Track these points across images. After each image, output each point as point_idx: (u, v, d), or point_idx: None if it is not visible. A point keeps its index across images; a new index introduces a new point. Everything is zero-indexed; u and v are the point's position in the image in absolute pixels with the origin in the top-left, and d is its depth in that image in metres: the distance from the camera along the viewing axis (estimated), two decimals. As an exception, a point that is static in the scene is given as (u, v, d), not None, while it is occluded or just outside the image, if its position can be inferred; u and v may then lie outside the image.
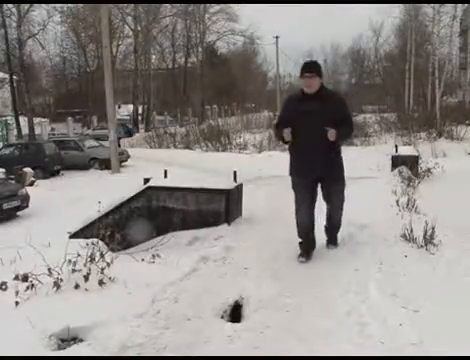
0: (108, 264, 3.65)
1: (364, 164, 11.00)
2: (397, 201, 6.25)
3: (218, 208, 5.72)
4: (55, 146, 18.18)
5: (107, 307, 3.16)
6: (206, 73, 40.64)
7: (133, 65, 37.79)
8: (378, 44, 46.38)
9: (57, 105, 39.87)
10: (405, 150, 10.75)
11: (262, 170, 11.95)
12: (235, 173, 6.05)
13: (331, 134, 4.10)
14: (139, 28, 36.33)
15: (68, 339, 2.88)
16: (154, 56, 41.95)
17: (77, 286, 3.42)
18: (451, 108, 23.01)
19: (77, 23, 35.62)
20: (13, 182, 13.37)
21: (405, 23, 30.54)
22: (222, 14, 41.27)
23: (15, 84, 28.61)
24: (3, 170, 14.82)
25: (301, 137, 4.21)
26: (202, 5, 39.70)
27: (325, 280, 3.86)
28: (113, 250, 4.46)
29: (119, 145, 20.34)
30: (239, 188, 6.16)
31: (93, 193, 9.75)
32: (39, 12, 33.94)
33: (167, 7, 37.88)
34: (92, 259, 3.72)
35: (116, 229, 4.97)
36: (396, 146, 10.90)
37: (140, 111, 40.33)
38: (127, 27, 37.14)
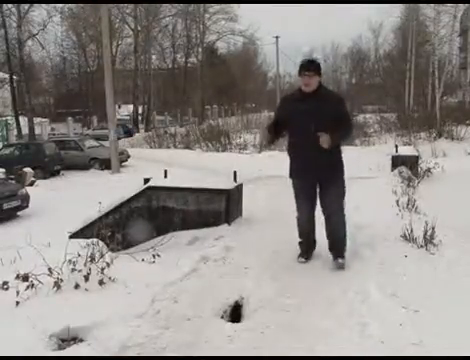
0: (108, 264, 3.65)
1: (364, 164, 10.99)
2: (397, 201, 6.25)
3: (218, 208, 5.72)
4: (55, 146, 18.19)
5: (107, 307, 3.16)
6: (206, 73, 40.66)
7: (133, 65, 37.82)
8: (378, 44, 46.48)
9: (57, 105, 39.90)
10: (405, 150, 10.75)
11: (262, 170, 11.94)
12: (235, 173, 6.05)
13: (323, 141, 3.87)
14: (139, 28, 36.36)
15: (68, 339, 2.88)
16: (154, 56, 42.05)
17: (77, 286, 3.42)
18: (451, 108, 23.00)
19: (77, 23, 35.64)
20: (13, 182, 13.38)
21: (405, 23, 30.57)
22: (222, 14, 41.31)
23: (15, 84, 28.63)
24: (3, 170, 14.82)
25: (299, 138, 4.12)
26: (202, 5, 39.73)
27: (325, 280, 3.86)
28: (113, 250, 4.46)
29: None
30: (239, 188, 6.16)
31: (93, 193, 9.74)
32: (39, 12, 33.90)
33: (167, 7, 37.90)
34: (92, 259, 3.72)
35: (116, 229, 4.98)
36: (396, 146, 10.90)
37: (140, 111, 40.37)
38: (127, 27, 37.22)
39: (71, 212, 8.37)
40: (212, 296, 3.56)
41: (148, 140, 24.47)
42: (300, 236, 4.41)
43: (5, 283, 3.42)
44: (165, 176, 6.26)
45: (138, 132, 34.00)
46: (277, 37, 40.08)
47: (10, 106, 29.78)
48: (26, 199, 11.46)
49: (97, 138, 22.70)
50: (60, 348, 2.83)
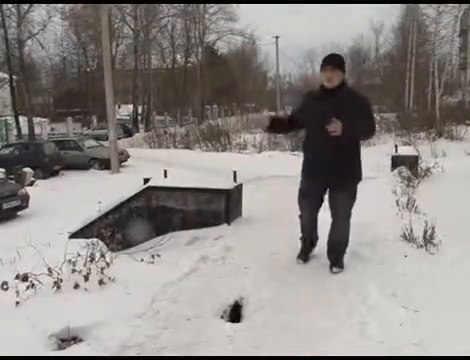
0: (108, 264, 3.65)
1: (364, 164, 10.95)
2: (397, 201, 6.25)
3: (218, 208, 5.72)
4: (55, 146, 18.19)
5: (107, 307, 3.16)
6: (206, 73, 40.65)
7: (133, 65, 37.83)
8: (379, 44, 46.49)
9: (57, 105, 39.91)
10: (405, 150, 10.74)
11: (262, 170, 11.94)
12: (235, 173, 6.05)
13: (333, 126, 3.49)
14: (139, 28, 36.35)
15: (68, 339, 2.88)
16: (154, 56, 42.04)
17: (77, 286, 3.42)
18: (451, 108, 23.01)
19: (77, 23, 35.63)
20: (13, 182, 13.37)
21: (405, 23, 30.57)
22: (221, 14, 41.32)
23: (15, 84, 28.61)
24: (3, 170, 14.82)
25: (314, 139, 3.88)
26: (201, 5, 39.74)
27: (325, 280, 3.85)
28: (113, 250, 4.46)
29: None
30: (239, 188, 6.16)
31: (93, 193, 9.74)
32: (39, 12, 33.99)
33: (167, 7, 37.92)
34: (92, 259, 3.72)
35: (116, 229, 4.98)
36: (396, 146, 10.89)
37: (140, 111, 40.39)
38: (127, 27, 37.23)
39: (71, 212, 8.37)
40: (212, 296, 3.56)
41: (148, 140, 24.48)
42: (302, 231, 4.32)
43: (5, 283, 3.41)
44: (165, 176, 6.27)
45: (138, 132, 34.03)
46: (277, 37, 40.10)
47: (10, 106, 29.79)
48: (26, 199, 11.46)
49: (97, 138, 22.70)
50: (60, 348, 2.83)
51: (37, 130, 25.01)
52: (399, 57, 33.39)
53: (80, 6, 33.48)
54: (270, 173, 11.04)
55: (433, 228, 4.48)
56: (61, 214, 9.51)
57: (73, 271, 3.52)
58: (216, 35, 43.67)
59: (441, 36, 22.53)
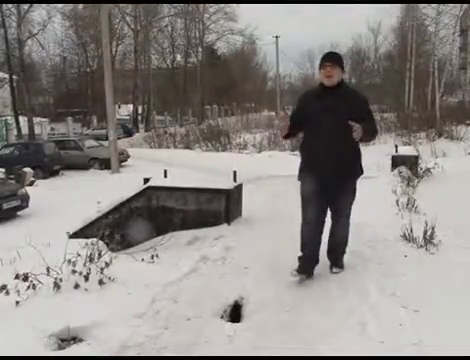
0: (107, 264, 3.65)
1: (364, 164, 10.97)
2: (397, 201, 6.26)
3: (218, 208, 5.72)
4: (55, 146, 18.19)
5: (107, 307, 3.16)
6: (206, 73, 40.64)
7: (133, 65, 37.84)
8: (378, 43, 46.50)
9: (57, 105, 39.87)
10: (405, 150, 10.75)
11: (262, 170, 11.94)
12: (235, 173, 6.05)
13: (357, 131, 3.44)
14: (139, 28, 36.36)
15: (68, 339, 2.88)
16: (154, 56, 42.04)
17: (77, 286, 3.42)
18: (451, 108, 23.01)
19: (77, 23, 35.64)
20: (13, 182, 13.36)
21: (405, 23, 30.56)
22: (221, 14, 41.33)
23: (15, 84, 28.63)
24: (3, 170, 14.81)
25: (316, 138, 3.71)
26: (201, 5, 39.74)
27: (325, 280, 3.85)
28: (113, 250, 4.46)
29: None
30: (239, 188, 6.16)
31: (93, 193, 9.75)
32: (39, 12, 34.00)
33: (167, 7, 37.95)
34: (92, 259, 3.72)
35: (116, 229, 4.98)
36: (396, 146, 10.90)
37: (140, 111, 40.39)
38: (127, 27, 37.23)
39: (71, 212, 8.38)
40: (212, 296, 3.56)
41: (148, 140, 24.49)
42: (302, 249, 3.88)
43: (5, 284, 3.41)
44: (165, 176, 6.27)
45: (138, 132, 34.04)
46: (277, 37, 40.01)
47: (10, 106, 29.80)
48: (26, 199, 11.45)
49: (97, 138, 22.70)
50: (60, 348, 2.83)
51: (37, 130, 25.02)
52: (399, 57, 33.38)
53: (80, 6, 33.53)
54: (270, 173, 11.03)
55: (433, 228, 4.48)
56: (61, 214, 9.51)
57: (73, 271, 3.52)
58: (216, 35, 43.74)
59: (441, 36, 22.53)
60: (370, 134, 3.81)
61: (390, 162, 10.05)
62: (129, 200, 5.94)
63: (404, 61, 28.32)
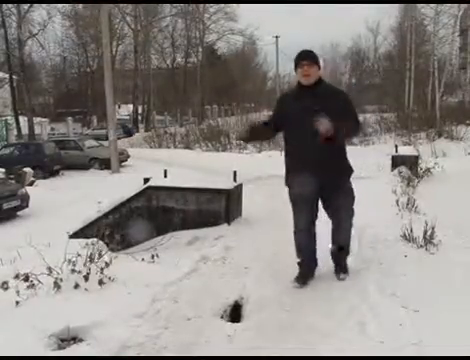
0: (107, 264, 3.65)
1: (364, 164, 10.97)
2: (397, 201, 6.25)
3: (218, 208, 5.73)
4: (55, 146, 18.20)
5: (107, 307, 3.16)
6: (206, 73, 40.64)
7: (133, 65, 37.83)
8: (377, 43, 46.53)
9: (57, 105, 39.86)
10: (405, 150, 10.76)
11: (262, 170, 11.94)
12: (235, 173, 6.05)
13: (321, 123, 3.31)
14: (139, 28, 36.35)
15: (68, 339, 2.88)
16: (154, 56, 42.03)
17: (77, 286, 3.42)
18: (451, 108, 23.02)
19: (77, 23, 35.65)
20: (13, 182, 13.36)
21: (403, 23, 30.58)
22: (222, 14, 41.32)
23: (15, 84, 28.63)
24: (3, 170, 14.81)
25: (298, 139, 3.62)
26: (202, 5, 39.73)
27: (325, 280, 3.85)
28: (113, 250, 4.46)
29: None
30: (239, 188, 6.17)
31: (93, 193, 9.76)
32: (39, 12, 33.99)
33: (167, 7, 37.95)
34: (92, 259, 3.72)
35: (116, 229, 4.98)
36: (396, 146, 10.90)
37: (140, 111, 40.39)
38: (127, 27, 37.23)
39: (71, 212, 8.39)
40: (212, 296, 3.56)
41: (148, 140, 24.51)
42: (298, 255, 3.85)
43: (5, 283, 3.41)
44: (165, 176, 6.27)
45: (138, 132, 34.04)
46: (277, 37, 40.05)
47: (10, 106, 29.79)
48: (26, 199, 11.45)
49: (97, 138, 22.71)
50: (60, 348, 2.83)
51: (37, 130, 25.03)
52: (399, 57, 33.39)
53: (80, 6, 33.52)
54: (270, 173, 11.00)
55: (433, 228, 4.48)
56: (61, 214, 9.52)
57: (73, 271, 3.52)
58: (216, 35, 43.75)
59: (440, 36, 22.54)
60: (352, 131, 3.78)
61: (390, 162, 10.04)
62: (129, 200, 5.95)
63: (404, 61, 28.35)
